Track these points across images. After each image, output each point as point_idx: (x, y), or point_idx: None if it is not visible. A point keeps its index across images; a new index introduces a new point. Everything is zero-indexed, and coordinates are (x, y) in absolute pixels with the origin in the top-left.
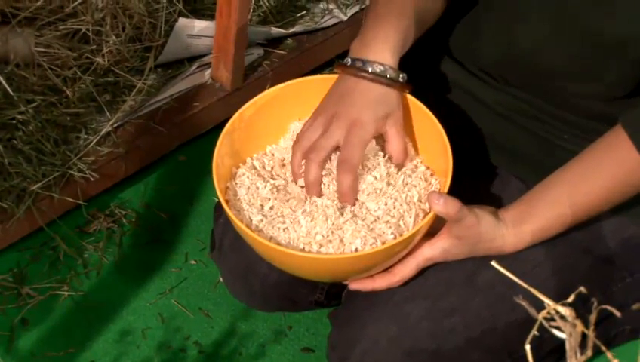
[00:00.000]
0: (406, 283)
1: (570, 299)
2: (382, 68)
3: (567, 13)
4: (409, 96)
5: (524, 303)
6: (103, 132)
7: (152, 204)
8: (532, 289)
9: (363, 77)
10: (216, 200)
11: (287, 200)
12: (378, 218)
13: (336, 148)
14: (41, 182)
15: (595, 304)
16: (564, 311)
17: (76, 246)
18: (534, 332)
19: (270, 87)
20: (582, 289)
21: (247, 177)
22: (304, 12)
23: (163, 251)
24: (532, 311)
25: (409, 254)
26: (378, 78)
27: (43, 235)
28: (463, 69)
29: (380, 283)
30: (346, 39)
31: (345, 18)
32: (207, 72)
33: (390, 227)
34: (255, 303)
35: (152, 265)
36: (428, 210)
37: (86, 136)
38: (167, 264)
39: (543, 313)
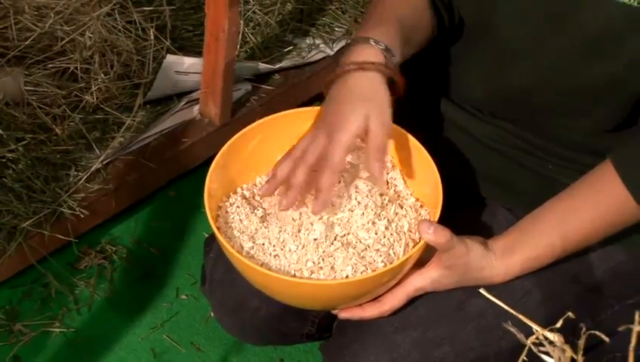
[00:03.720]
0: (396, 312)
1: (559, 324)
2: (374, 42)
3: (564, 61)
4: (399, 128)
5: (513, 329)
6: (92, 169)
7: (142, 239)
8: (521, 317)
9: (348, 70)
10: (207, 235)
11: (278, 229)
12: (369, 246)
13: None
14: (32, 220)
15: (584, 329)
16: (553, 336)
17: (67, 282)
18: (523, 357)
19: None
20: (570, 314)
21: (238, 206)
22: (291, 47)
23: (154, 286)
24: (521, 336)
25: (398, 284)
26: (363, 64)
27: (34, 272)
28: (452, 103)
29: (370, 311)
30: None
31: (332, 53)
32: (196, 107)
33: (381, 255)
34: (246, 337)
35: (144, 300)
36: (418, 240)
37: (76, 173)
38: (159, 299)
39: (532, 338)
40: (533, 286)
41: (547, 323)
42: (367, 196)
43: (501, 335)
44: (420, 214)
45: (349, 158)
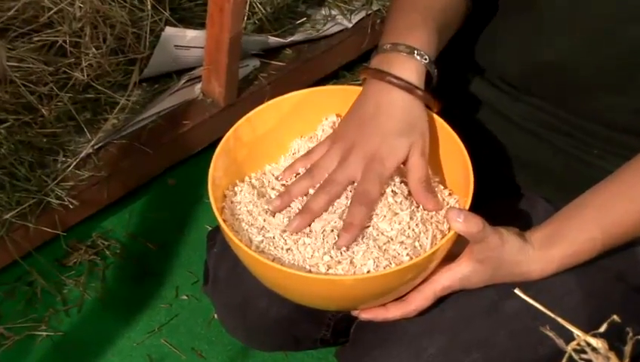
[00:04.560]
0: (422, 314)
1: (602, 328)
2: (419, 56)
3: (602, 28)
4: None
5: (551, 334)
6: (82, 154)
7: (138, 233)
8: (560, 320)
9: (393, 83)
10: (210, 227)
11: (290, 220)
12: (392, 239)
13: (352, 182)
14: (15, 211)
15: (630, 334)
16: (596, 342)
17: (55, 281)
18: None
19: (268, 101)
20: (615, 317)
21: (246, 196)
22: (304, 19)
23: (151, 285)
24: (560, 342)
25: (425, 281)
26: (407, 85)
27: (18, 269)
28: (482, 80)
29: (394, 312)
30: (351, 48)
31: (349, 25)
32: (198, 86)
33: (406, 248)
34: (253, 341)
35: (139, 301)
36: (446, 231)
37: (64, 158)
38: (156, 299)
39: (573, 344)
40: (574, 285)
41: (590, 326)
42: (387, 185)
43: (538, 340)
44: (447, 203)
45: None
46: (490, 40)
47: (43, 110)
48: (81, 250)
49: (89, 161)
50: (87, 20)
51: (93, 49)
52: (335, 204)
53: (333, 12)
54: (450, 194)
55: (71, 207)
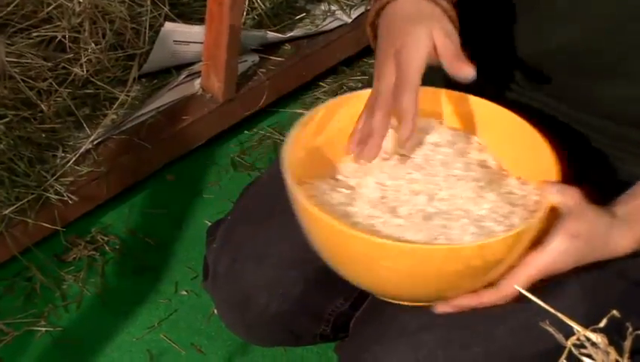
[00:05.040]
0: (423, 309)
1: (602, 323)
2: None
3: (603, 28)
4: (484, 101)
5: (551, 329)
6: (82, 150)
7: (137, 228)
8: (560, 315)
9: (388, 1)
10: (209, 223)
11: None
12: (483, 217)
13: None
14: (15, 206)
15: (630, 329)
16: (596, 337)
17: (54, 276)
18: (563, 360)
19: (267, 97)
20: (614, 312)
21: (321, 187)
22: (303, 14)
23: (150, 281)
24: (560, 337)
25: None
26: None
27: (17, 265)
28: (485, 78)
29: (488, 297)
30: (350, 43)
31: (349, 20)
32: (197, 81)
33: (499, 225)
34: (253, 337)
35: (139, 297)
36: (534, 211)
37: (63, 154)
38: (156, 295)
39: (572, 339)
40: (573, 281)
41: (587, 322)
42: (465, 170)
43: (538, 335)
44: (525, 192)
45: (438, 138)
46: (491, 39)
47: (42, 105)
48: (81, 245)
49: (88, 156)
50: (87, 15)
51: (93, 44)
52: (417, 188)
53: (333, 7)
54: (523, 183)
55: (70, 202)
